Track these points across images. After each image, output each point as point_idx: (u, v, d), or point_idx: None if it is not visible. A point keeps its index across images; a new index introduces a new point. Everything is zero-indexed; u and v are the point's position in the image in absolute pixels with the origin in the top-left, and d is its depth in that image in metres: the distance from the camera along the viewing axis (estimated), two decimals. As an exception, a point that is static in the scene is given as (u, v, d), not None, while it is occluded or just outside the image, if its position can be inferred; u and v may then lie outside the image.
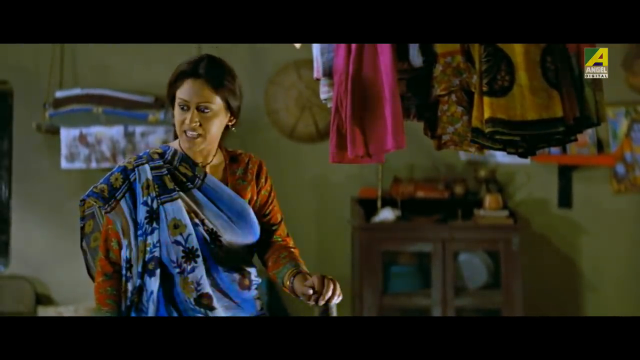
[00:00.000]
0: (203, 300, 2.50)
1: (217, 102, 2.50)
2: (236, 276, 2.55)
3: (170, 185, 2.52)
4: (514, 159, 5.43)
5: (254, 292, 2.60)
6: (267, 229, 2.65)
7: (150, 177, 2.52)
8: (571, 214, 5.59)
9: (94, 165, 5.30)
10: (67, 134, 5.31)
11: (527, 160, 5.29)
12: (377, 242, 5.11)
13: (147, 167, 2.54)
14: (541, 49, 2.59)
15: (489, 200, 5.23)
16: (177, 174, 2.54)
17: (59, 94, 5.34)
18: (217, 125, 2.52)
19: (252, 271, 2.60)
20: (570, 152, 5.44)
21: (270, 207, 2.65)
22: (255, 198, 2.61)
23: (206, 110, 2.49)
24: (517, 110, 2.57)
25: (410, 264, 5.28)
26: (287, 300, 5.41)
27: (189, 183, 2.53)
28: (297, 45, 2.82)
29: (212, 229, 2.52)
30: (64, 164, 5.34)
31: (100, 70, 5.55)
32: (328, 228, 5.52)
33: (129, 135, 5.28)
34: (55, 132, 5.35)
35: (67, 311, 5.27)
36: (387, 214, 5.19)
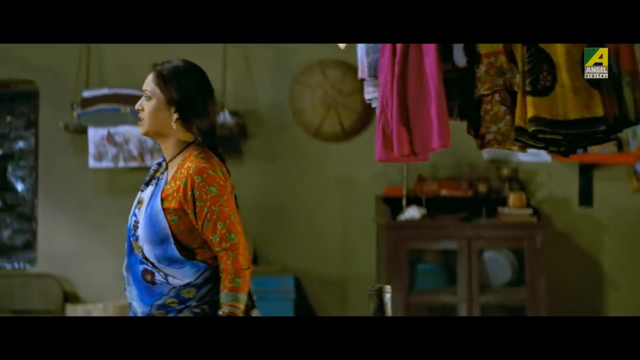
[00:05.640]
0: (124, 279, 2.69)
1: (155, 91, 2.63)
2: (140, 267, 2.62)
3: (148, 177, 2.71)
4: (535, 157, 5.47)
5: (163, 291, 2.59)
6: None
7: (152, 170, 2.73)
8: (592, 212, 5.63)
9: (121, 164, 5.36)
10: (94, 134, 5.36)
11: (549, 159, 5.34)
12: (403, 240, 5.14)
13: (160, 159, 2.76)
14: (582, 49, 2.64)
15: (512, 198, 5.26)
16: (160, 169, 2.71)
17: (87, 93, 5.39)
18: (154, 114, 2.63)
19: (161, 274, 2.59)
20: (591, 150, 5.46)
21: (203, 222, 2.57)
22: (173, 204, 2.58)
23: (146, 98, 2.65)
24: (560, 110, 2.61)
25: (435, 262, 5.32)
26: (314, 299, 5.44)
27: (155, 179, 2.69)
28: (342, 46, 2.85)
29: (137, 221, 2.65)
30: (91, 163, 5.39)
31: (127, 69, 5.58)
32: (353, 227, 5.55)
33: (155, 135, 5.32)
34: (83, 131, 5.40)
35: (96, 309, 5.30)
36: (413, 212, 5.22)
